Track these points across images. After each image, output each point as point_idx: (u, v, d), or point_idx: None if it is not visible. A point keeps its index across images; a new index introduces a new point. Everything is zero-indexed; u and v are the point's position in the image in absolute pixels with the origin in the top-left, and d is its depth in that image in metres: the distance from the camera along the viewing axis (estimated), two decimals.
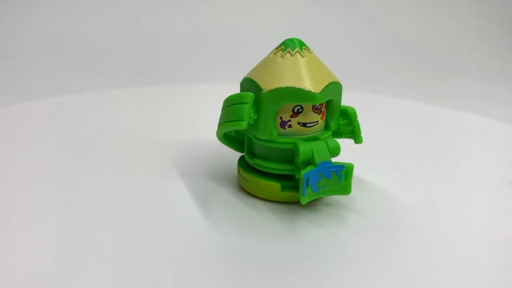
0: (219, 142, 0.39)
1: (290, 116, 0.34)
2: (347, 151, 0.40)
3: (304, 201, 0.33)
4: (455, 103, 0.64)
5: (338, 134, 0.38)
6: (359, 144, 0.38)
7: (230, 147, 0.39)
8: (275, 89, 0.33)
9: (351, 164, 0.34)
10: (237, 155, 0.40)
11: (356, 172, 0.42)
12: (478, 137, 0.53)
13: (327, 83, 0.34)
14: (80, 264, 0.29)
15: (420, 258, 0.31)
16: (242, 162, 0.38)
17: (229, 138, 0.38)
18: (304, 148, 0.33)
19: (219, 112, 0.36)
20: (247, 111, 0.34)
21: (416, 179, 0.42)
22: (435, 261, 0.31)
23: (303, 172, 0.32)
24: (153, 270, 0.29)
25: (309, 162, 0.34)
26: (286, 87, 0.33)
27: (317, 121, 0.35)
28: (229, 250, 0.31)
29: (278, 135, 0.35)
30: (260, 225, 0.34)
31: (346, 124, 0.37)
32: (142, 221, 0.34)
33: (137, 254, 0.30)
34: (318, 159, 0.33)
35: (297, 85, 0.33)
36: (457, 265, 0.31)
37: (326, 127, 0.36)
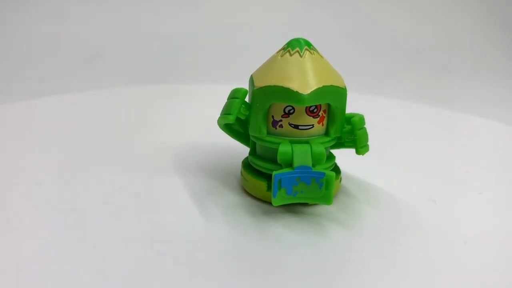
0: (221, 143, 0.40)
1: (281, 116, 0.34)
2: (345, 151, 0.38)
3: (275, 202, 0.32)
4: (454, 105, 0.64)
5: (341, 143, 0.36)
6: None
7: (238, 140, 0.39)
8: (264, 86, 0.33)
9: (332, 172, 0.32)
10: (240, 155, 0.41)
11: (354, 173, 0.40)
12: (477, 138, 0.53)
13: (320, 86, 0.32)
14: (79, 263, 0.29)
15: (423, 260, 0.31)
16: (246, 159, 0.39)
17: (238, 132, 0.39)
18: (283, 149, 0.32)
19: (219, 112, 0.37)
20: (236, 106, 0.34)
21: (416, 180, 0.41)
22: (437, 265, 0.30)
23: (274, 172, 0.32)
24: (150, 269, 0.29)
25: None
26: (274, 86, 0.33)
27: (313, 125, 0.34)
28: (226, 250, 0.31)
29: (271, 134, 0.34)
30: (261, 226, 0.33)
31: (349, 133, 0.35)
32: (140, 220, 0.34)
33: (135, 253, 0.30)
34: (296, 162, 0.32)
35: (285, 85, 0.32)
36: (460, 268, 0.30)
37: (327, 133, 0.35)
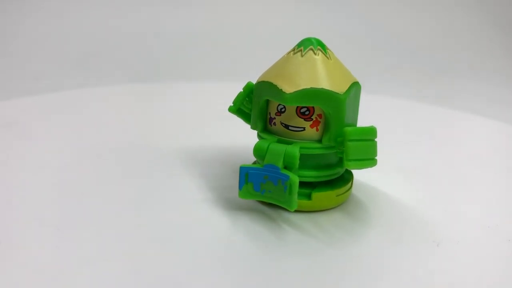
0: (224, 143, 0.42)
1: (275, 114, 0.33)
2: None
3: (240, 195, 0.32)
4: (450, 102, 0.64)
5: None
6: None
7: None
8: (260, 81, 0.33)
9: (296, 177, 0.30)
10: (244, 155, 0.40)
11: (359, 178, 0.38)
12: (474, 135, 0.53)
13: (308, 87, 0.31)
14: (79, 262, 0.28)
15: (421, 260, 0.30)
16: None
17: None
18: (259, 144, 0.32)
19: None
20: (238, 98, 0.35)
21: (414, 180, 0.41)
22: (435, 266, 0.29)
23: (241, 165, 0.32)
24: (150, 269, 0.28)
25: None
26: (266, 81, 0.33)
27: (304, 128, 0.32)
28: (227, 251, 0.30)
29: (267, 131, 0.34)
30: (260, 228, 0.32)
31: (340, 143, 0.32)
32: (140, 219, 0.33)
33: (134, 253, 0.29)
34: (266, 160, 0.31)
35: (274, 81, 0.32)
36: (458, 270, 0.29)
37: (320, 140, 0.32)
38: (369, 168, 0.33)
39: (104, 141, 0.45)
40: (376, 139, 0.33)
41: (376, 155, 0.33)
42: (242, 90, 0.35)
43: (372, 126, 0.32)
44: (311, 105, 0.32)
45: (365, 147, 0.32)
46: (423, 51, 0.83)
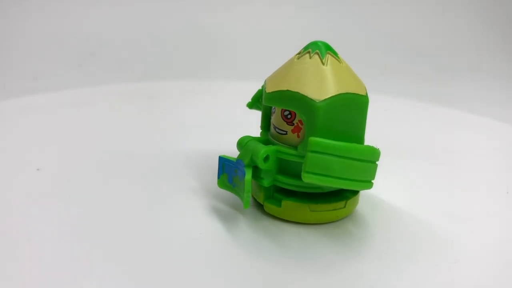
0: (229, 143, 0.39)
1: (271, 115, 0.33)
2: None
3: (218, 184, 0.33)
4: (449, 102, 0.63)
5: None
6: None
7: None
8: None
9: (249, 175, 0.30)
10: None
11: None
12: (473, 136, 0.52)
13: (284, 89, 0.30)
14: (79, 262, 0.28)
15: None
16: None
17: None
18: (240, 139, 0.33)
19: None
20: (255, 94, 0.36)
21: (413, 180, 0.40)
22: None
23: (220, 155, 0.33)
24: (149, 268, 0.28)
25: None
26: (265, 80, 0.33)
27: (287, 132, 0.31)
28: (227, 253, 0.30)
29: (268, 130, 0.34)
30: (258, 232, 0.32)
31: None
32: (140, 219, 0.33)
33: (133, 252, 0.29)
34: (239, 155, 0.32)
35: (266, 80, 0.32)
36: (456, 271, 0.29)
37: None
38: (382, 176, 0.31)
39: (104, 141, 0.45)
40: (376, 162, 0.30)
41: (370, 178, 0.30)
42: (261, 87, 0.36)
43: (366, 145, 0.30)
44: (285, 108, 0.31)
45: (338, 164, 0.28)
46: (421, 51, 0.82)
